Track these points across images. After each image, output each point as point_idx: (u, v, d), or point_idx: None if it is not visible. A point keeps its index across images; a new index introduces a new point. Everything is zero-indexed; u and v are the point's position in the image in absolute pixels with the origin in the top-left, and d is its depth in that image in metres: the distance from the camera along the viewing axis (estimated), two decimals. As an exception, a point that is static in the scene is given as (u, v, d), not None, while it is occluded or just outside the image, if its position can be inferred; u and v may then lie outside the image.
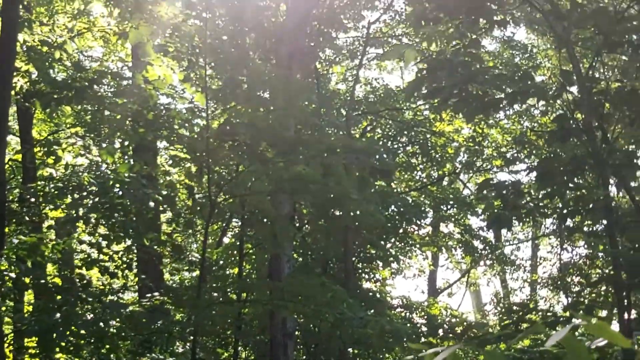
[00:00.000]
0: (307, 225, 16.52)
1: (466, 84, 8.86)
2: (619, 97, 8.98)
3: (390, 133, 17.75)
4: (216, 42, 14.11)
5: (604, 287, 12.19)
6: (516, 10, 11.31)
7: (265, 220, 12.21)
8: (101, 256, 10.65)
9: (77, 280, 10.50)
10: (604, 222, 10.26)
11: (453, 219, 18.06)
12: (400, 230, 16.88)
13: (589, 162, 9.18)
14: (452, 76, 8.84)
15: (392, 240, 17.15)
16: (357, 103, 17.41)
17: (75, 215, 10.36)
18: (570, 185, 9.58)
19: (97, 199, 10.73)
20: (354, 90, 17.12)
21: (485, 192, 10.15)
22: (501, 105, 9.20)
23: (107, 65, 17.00)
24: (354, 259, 15.85)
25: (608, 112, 9.26)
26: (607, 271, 12.75)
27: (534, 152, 15.97)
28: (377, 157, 11.95)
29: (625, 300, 9.85)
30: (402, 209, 15.94)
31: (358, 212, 12.32)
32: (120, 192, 10.70)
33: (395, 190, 17.35)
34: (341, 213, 13.13)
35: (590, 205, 9.71)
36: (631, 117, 9.22)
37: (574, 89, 10.22)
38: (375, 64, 19.15)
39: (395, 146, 17.71)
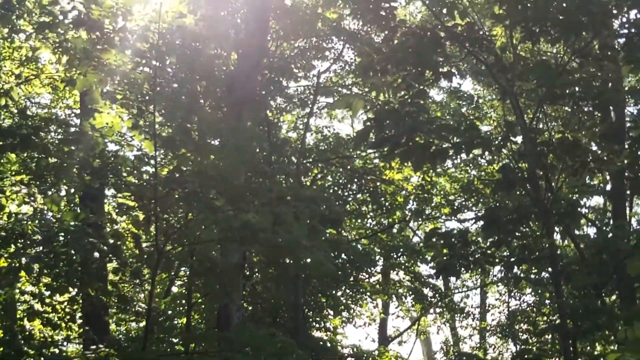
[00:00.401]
0: (257, 274, 16.38)
1: (412, 134, 9.01)
2: (562, 147, 9.22)
3: (340, 181, 17.83)
4: (166, 89, 14.09)
5: (551, 335, 12.31)
6: (462, 62, 11.60)
7: (214, 269, 12.08)
8: (44, 307, 10.38)
9: (19, 332, 10.18)
10: (550, 270, 10.40)
11: (403, 267, 18.12)
12: (351, 278, 16.86)
13: (533, 211, 9.36)
14: (399, 126, 8.98)
15: (343, 288, 17.11)
16: (308, 151, 17.49)
17: (18, 264, 10.11)
18: (517, 234, 9.74)
19: (41, 248, 10.51)
20: (304, 138, 17.22)
21: (434, 239, 10.24)
22: (448, 155, 9.36)
23: (55, 112, 16.83)
24: (304, 307, 15.74)
25: (551, 162, 9.48)
26: (554, 319, 12.89)
27: (481, 200, 16.21)
28: (327, 205, 11.97)
29: (572, 348, 9.96)
30: (352, 257, 15.94)
31: (308, 261, 12.27)
32: (65, 241, 10.51)
33: (346, 238, 17.36)
34: (291, 261, 13.06)
35: (536, 254, 9.86)
36: (574, 167, 9.45)
37: (519, 139, 10.46)
38: (326, 112, 19.34)
39: (346, 194, 17.78)
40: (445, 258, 9.36)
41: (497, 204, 11.33)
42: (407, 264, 18.09)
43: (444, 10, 9.74)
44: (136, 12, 12.10)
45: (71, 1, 11.35)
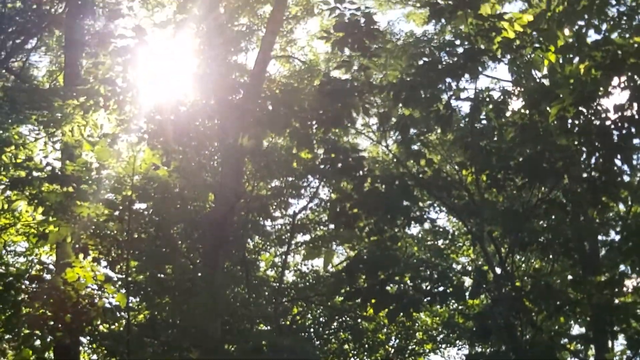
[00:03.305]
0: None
1: (384, 286, 8.98)
2: (535, 292, 9.20)
3: (321, 319, 17.57)
4: (142, 234, 14.06)
5: None
6: (432, 205, 11.76)
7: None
8: None
9: None
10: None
11: (388, 409, 17.61)
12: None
13: (511, 357, 9.22)
14: (370, 278, 8.97)
15: None
16: (287, 289, 17.32)
17: None
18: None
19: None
20: (282, 276, 17.09)
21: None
22: (422, 305, 9.30)
23: (32, 260, 16.75)
24: None
25: (526, 306, 9.42)
26: None
27: (462, 336, 15.96)
28: (306, 354, 11.78)
29: None
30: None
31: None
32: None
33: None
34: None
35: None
36: (549, 311, 9.41)
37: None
38: (303, 249, 19.28)
39: (327, 332, 17.48)
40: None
41: (477, 348, 11.19)
42: (392, 403, 17.57)
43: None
44: (111, 161, 12.28)
45: (45, 157, 11.57)
